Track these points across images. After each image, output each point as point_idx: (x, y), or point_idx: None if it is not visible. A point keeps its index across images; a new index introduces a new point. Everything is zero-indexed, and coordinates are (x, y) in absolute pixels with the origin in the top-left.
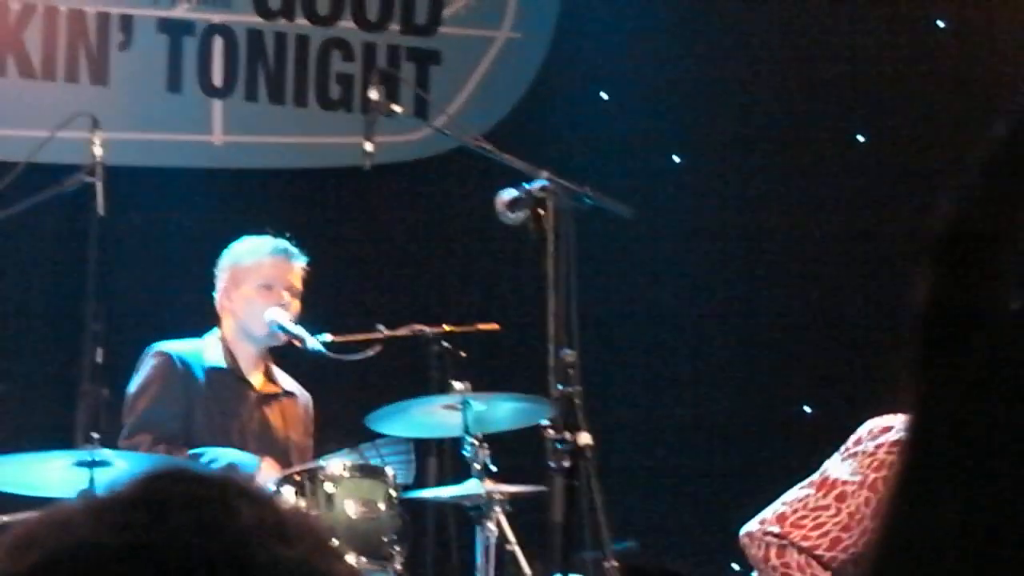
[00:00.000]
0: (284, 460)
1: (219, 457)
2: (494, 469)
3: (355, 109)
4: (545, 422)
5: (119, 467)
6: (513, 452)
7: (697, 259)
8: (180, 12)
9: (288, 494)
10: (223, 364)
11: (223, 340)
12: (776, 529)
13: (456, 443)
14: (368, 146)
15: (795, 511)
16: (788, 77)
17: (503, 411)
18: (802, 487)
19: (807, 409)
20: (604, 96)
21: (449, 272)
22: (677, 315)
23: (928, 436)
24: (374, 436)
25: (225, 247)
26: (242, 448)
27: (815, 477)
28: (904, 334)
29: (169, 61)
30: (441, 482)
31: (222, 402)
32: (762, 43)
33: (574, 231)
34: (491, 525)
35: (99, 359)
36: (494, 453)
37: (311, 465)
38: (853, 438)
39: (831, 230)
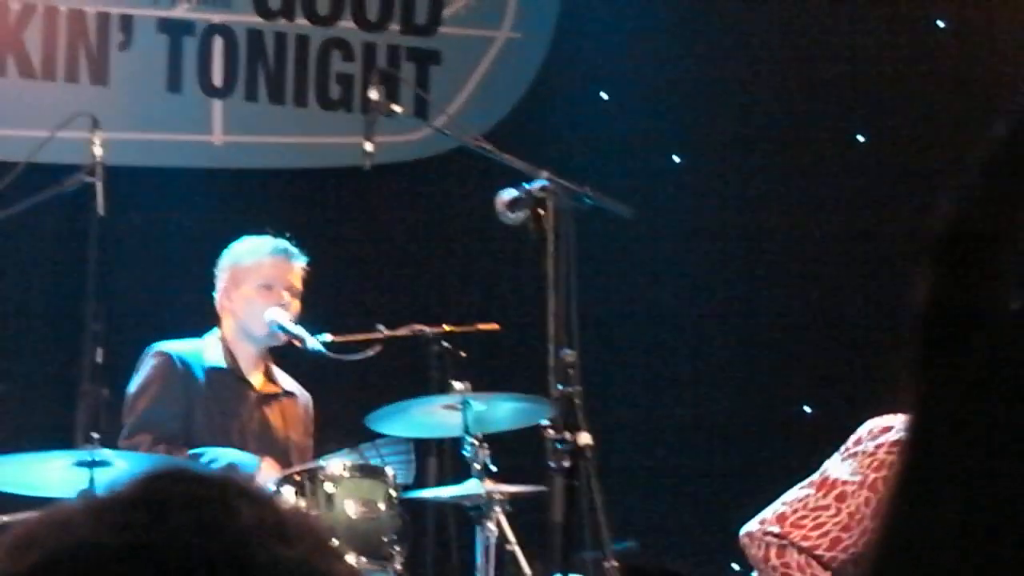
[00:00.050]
0: (284, 460)
1: (219, 457)
2: (494, 469)
3: (355, 109)
4: (545, 422)
5: (119, 467)
6: (513, 452)
7: (697, 259)
8: (180, 12)
9: (288, 494)
10: (223, 364)
11: (223, 340)
12: (776, 529)
13: (456, 443)
14: (368, 146)
15: (795, 511)
16: (788, 77)
17: (503, 411)
18: (802, 487)
19: (807, 409)
20: (604, 96)
21: (449, 272)
22: (677, 315)
23: (928, 436)
24: (374, 436)
25: (225, 247)
26: (242, 448)
27: (815, 477)
28: (904, 334)
29: (169, 61)
30: (441, 482)
31: (222, 402)
32: (762, 43)
33: (574, 231)
34: (491, 525)
35: (99, 359)
36: (494, 453)
37: (311, 465)
38: (853, 438)
39: (831, 230)
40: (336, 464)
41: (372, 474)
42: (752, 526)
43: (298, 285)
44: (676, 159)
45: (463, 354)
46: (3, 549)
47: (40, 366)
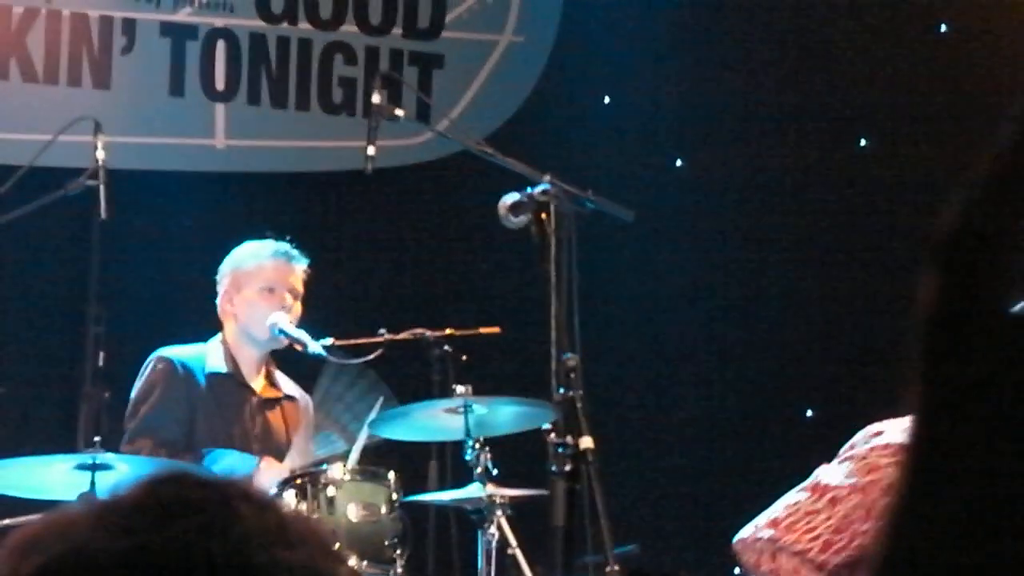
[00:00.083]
0: None
1: (219, 457)
2: (495, 473)
3: (358, 113)
4: (547, 426)
5: (121, 470)
6: (515, 456)
7: (699, 263)
8: (183, 16)
9: (289, 498)
10: (224, 369)
11: (225, 344)
12: (768, 534)
13: (458, 447)
14: (370, 150)
15: (788, 515)
16: (789, 81)
17: (505, 415)
18: (796, 492)
19: (809, 413)
20: (606, 100)
21: (451, 276)
22: (679, 319)
23: (929, 436)
24: (374, 437)
25: (227, 251)
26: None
27: (809, 481)
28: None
29: (172, 65)
30: (443, 486)
31: (224, 407)
32: (764, 47)
33: (576, 235)
34: (492, 529)
35: (101, 362)
36: (496, 457)
37: (312, 467)
38: (849, 443)
39: (831, 232)
40: (337, 468)
41: (373, 478)
42: (745, 532)
43: (300, 288)
44: (678, 163)
45: (465, 358)
46: (6, 552)
47: (42, 369)
